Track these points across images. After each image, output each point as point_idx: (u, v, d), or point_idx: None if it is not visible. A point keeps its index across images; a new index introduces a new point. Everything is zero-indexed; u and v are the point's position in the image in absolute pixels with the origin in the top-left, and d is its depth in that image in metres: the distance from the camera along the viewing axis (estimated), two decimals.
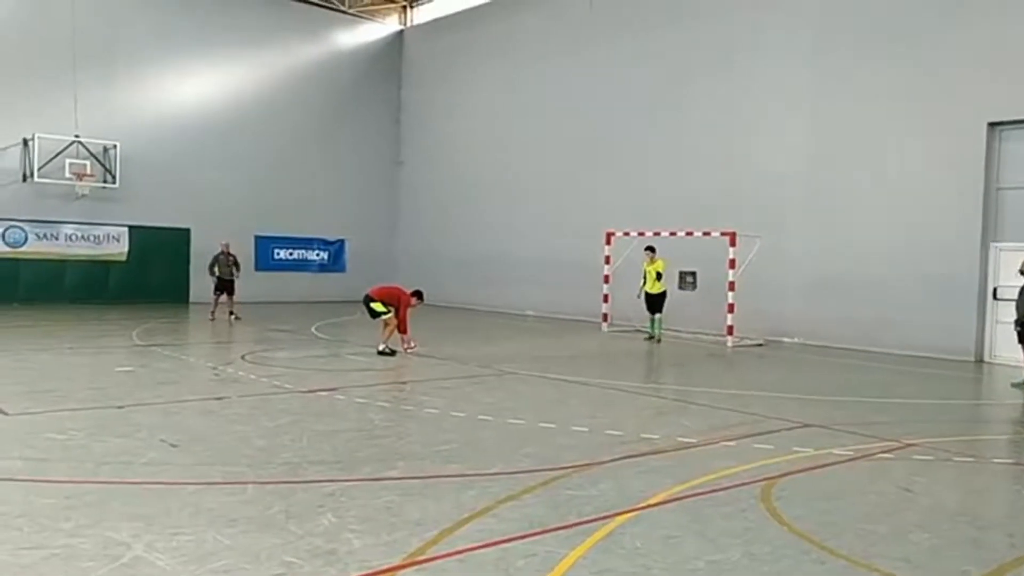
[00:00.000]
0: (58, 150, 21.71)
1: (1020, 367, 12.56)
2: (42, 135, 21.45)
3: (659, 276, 17.44)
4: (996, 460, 7.76)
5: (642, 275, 17.79)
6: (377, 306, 13.72)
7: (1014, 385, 12.28)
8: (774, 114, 18.37)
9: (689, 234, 17.83)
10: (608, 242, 19.54)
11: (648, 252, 17.79)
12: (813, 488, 6.34)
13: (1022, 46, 14.86)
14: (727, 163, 19.08)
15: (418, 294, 14.12)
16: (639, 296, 17.82)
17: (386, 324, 13.69)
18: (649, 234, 18.57)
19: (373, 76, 28.23)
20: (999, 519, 5.93)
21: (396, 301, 13.81)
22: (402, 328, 13.75)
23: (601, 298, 19.68)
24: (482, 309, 24.48)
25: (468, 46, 26.39)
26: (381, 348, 13.58)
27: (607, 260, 19.52)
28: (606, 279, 19.55)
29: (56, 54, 21.74)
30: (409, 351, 13.77)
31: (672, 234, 18.11)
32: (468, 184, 26.02)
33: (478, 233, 25.46)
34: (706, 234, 17.54)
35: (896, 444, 7.94)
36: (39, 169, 21.47)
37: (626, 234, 19.28)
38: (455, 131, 26.69)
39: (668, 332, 17.93)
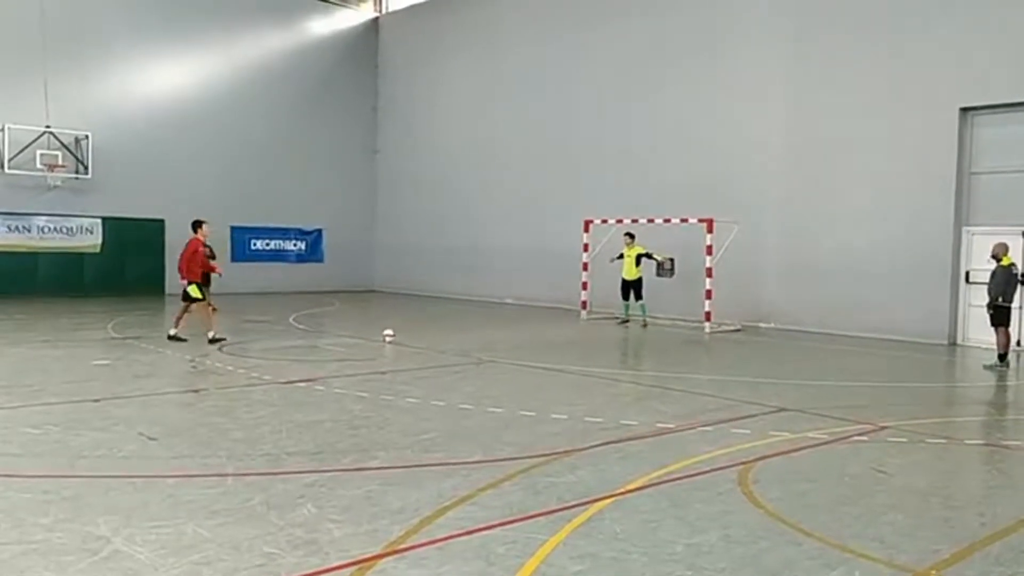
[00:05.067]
0: (29, 141, 21.36)
1: (992, 350, 12.75)
2: (12, 126, 21.10)
3: (639, 261, 17.68)
4: (968, 441, 7.89)
5: (618, 255, 18.11)
6: (192, 290, 13.29)
7: (986, 367, 12.48)
8: (751, 101, 18.44)
9: (667, 221, 17.91)
10: (587, 230, 19.58)
11: (627, 237, 18.03)
12: (789, 471, 6.42)
13: (993, 32, 15.03)
14: (705, 150, 19.14)
15: (197, 223, 13.66)
16: (611, 261, 18.20)
17: (205, 308, 13.31)
18: (627, 221, 18.65)
19: (348, 64, 28.00)
20: (971, 499, 6.04)
21: (188, 255, 13.26)
22: (195, 273, 13.18)
23: (580, 286, 19.74)
24: (461, 298, 24.45)
25: (444, 33, 26.24)
26: (211, 336, 13.20)
27: (585, 248, 19.57)
28: (585, 267, 19.60)
29: (25, 43, 21.35)
30: (388, 341, 13.74)
31: (650, 221, 18.20)
32: (446, 172, 25.92)
33: (456, 221, 25.38)
34: (684, 221, 17.64)
35: (871, 427, 8.05)
36: (9, 160, 21.13)
37: (604, 222, 19.33)
38: (432, 119, 26.56)
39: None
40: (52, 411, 8.08)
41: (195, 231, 13.68)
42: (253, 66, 25.81)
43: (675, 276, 17.99)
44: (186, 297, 13.42)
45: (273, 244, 26.45)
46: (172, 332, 13.39)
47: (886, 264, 16.15)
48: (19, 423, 7.52)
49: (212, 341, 13.16)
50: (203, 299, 13.37)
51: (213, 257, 19.60)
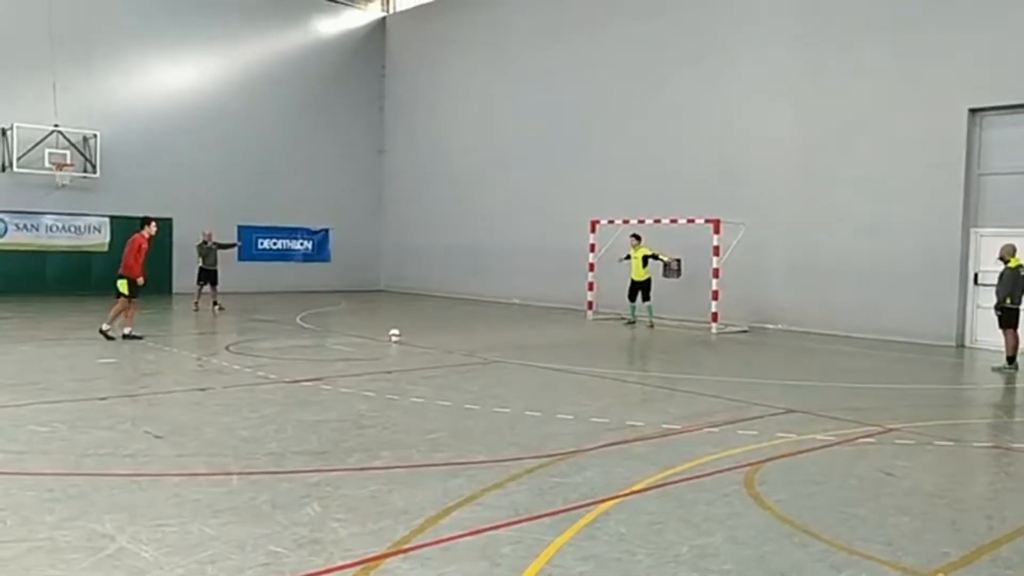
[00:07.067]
0: (37, 140, 21.46)
1: (1001, 351, 12.69)
2: (20, 124, 21.19)
3: (645, 262, 17.64)
4: (976, 444, 7.84)
5: (624, 255, 18.12)
6: (121, 284, 13.21)
7: (995, 369, 12.42)
8: (758, 102, 18.40)
9: (673, 221, 17.88)
10: (593, 230, 19.56)
11: (633, 239, 18.00)
12: (796, 473, 6.39)
13: (1003, 32, 14.96)
14: (712, 151, 19.11)
15: (145, 221, 13.59)
16: (620, 261, 18.23)
17: (128, 306, 13.23)
18: (634, 222, 18.63)
19: (356, 64, 28.04)
20: (978, 502, 6.00)
21: (133, 252, 13.17)
22: (135, 269, 13.08)
23: (586, 286, 19.71)
24: (467, 298, 24.46)
25: (451, 33, 26.26)
26: (126, 332, 13.20)
27: (592, 248, 19.55)
28: (591, 267, 19.58)
29: (34, 42, 21.44)
30: (395, 340, 13.74)
31: (657, 221, 18.18)
32: (452, 173, 25.94)
33: (463, 222, 25.40)
34: (690, 221, 17.60)
35: (878, 429, 8.02)
36: (18, 159, 21.22)
37: (611, 222, 19.31)
38: (439, 119, 26.57)
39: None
40: (58, 409, 8.10)
41: (141, 228, 13.64)
42: (261, 65, 25.88)
43: (682, 277, 17.96)
44: (118, 293, 13.33)
45: (280, 243, 26.51)
46: (127, 331, 13.33)
47: (894, 265, 16.10)
48: (25, 421, 7.54)
49: (107, 333, 13.21)
50: (131, 296, 13.26)
51: (224, 247, 19.83)
